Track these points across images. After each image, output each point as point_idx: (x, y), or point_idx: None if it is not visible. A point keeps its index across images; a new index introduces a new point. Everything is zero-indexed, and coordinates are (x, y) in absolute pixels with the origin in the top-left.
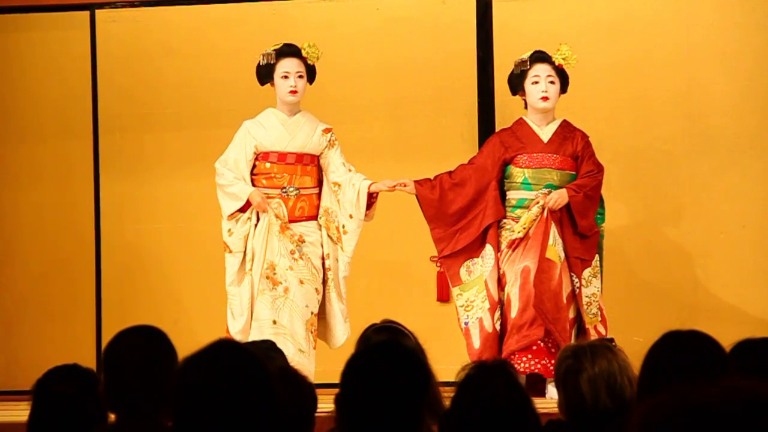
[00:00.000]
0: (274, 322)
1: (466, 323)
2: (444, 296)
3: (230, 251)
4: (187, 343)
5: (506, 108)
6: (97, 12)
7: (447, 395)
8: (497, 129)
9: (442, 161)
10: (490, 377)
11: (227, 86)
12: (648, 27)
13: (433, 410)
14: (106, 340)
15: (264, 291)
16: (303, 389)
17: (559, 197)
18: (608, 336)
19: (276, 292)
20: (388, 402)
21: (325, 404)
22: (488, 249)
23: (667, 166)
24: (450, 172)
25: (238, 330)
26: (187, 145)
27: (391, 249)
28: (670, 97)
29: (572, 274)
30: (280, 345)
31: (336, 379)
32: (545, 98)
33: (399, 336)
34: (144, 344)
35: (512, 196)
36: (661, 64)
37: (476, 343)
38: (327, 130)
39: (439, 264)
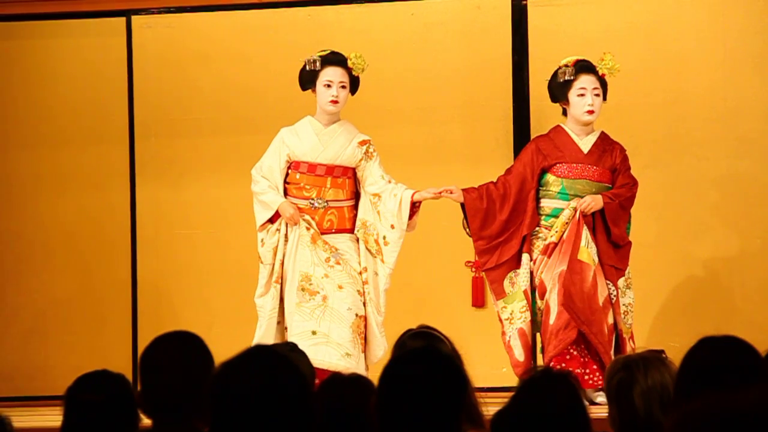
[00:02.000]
0: (314, 333)
1: (509, 336)
2: (479, 301)
3: (261, 262)
4: (221, 348)
5: (542, 113)
6: (133, 18)
7: (483, 400)
8: (532, 134)
9: (476, 167)
10: (554, 384)
11: (262, 92)
12: (683, 30)
13: (469, 416)
14: (142, 345)
15: (301, 303)
16: (363, 389)
17: (593, 201)
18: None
19: (314, 302)
20: (425, 408)
21: None
22: (524, 258)
23: (703, 170)
24: (494, 183)
25: (258, 340)
26: (222, 151)
27: (427, 254)
28: (706, 101)
29: (608, 281)
30: (320, 354)
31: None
32: (591, 111)
33: (435, 341)
34: (181, 349)
35: (547, 204)
36: (696, 67)
37: (519, 355)
38: (364, 142)
39: (474, 269)
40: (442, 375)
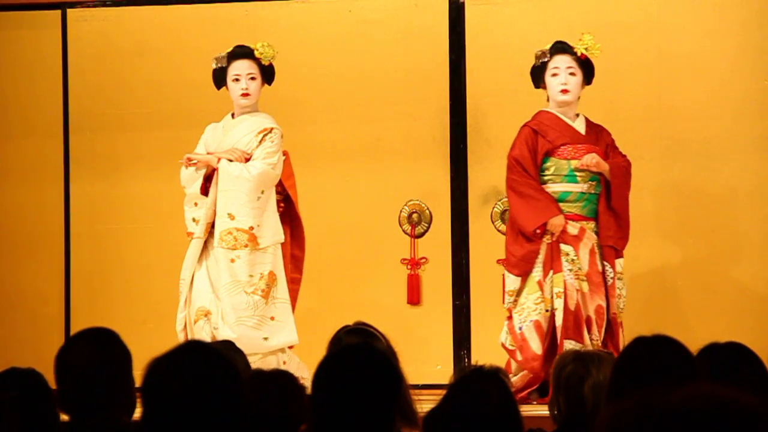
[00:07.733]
0: None
1: (520, 328)
2: (415, 299)
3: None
4: (154, 343)
5: (478, 110)
6: (69, 11)
7: (417, 398)
8: (469, 132)
9: (413, 163)
10: (484, 382)
11: (199, 86)
12: (619, 32)
13: (403, 413)
14: None
15: None
16: (293, 389)
17: (597, 160)
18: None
19: None
20: (359, 404)
21: None
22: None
23: (637, 170)
24: (537, 187)
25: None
26: (159, 145)
27: (363, 251)
28: (641, 102)
29: (605, 261)
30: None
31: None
32: (565, 90)
33: (371, 338)
34: (95, 347)
35: (555, 188)
36: (632, 69)
37: (537, 347)
38: (264, 130)
39: (409, 266)
40: (376, 372)
